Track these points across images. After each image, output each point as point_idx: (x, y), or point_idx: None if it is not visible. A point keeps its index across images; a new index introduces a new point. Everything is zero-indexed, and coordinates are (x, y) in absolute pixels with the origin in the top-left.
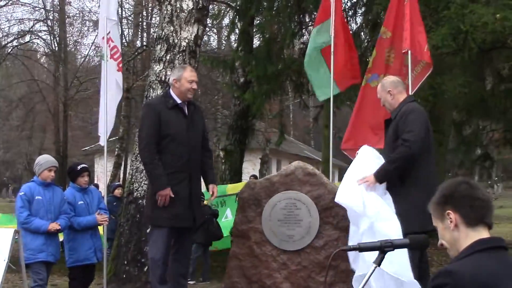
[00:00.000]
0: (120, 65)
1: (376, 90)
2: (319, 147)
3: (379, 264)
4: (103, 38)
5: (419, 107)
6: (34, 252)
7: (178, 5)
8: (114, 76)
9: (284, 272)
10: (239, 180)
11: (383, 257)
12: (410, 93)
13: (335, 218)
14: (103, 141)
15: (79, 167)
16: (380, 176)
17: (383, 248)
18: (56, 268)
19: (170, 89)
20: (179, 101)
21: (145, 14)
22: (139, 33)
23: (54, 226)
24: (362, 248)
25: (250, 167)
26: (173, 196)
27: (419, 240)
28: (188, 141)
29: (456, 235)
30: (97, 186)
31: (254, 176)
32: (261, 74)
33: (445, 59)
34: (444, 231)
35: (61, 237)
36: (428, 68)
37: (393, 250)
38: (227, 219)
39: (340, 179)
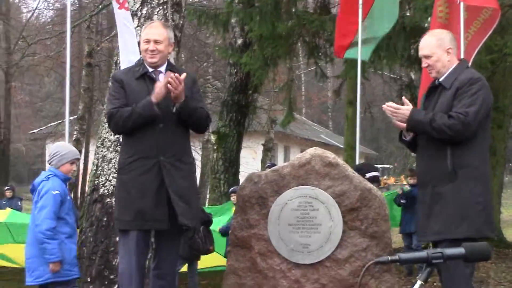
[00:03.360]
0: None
1: None
2: (339, 130)
3: (425, 281)
4: None
5: (483, 77)
6: (70, 266)
7: None
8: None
9: None
10: (236, 173)
11: (431, 272)
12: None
13: (363, 222)
14: None
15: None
16: (415, 120)
17: (431, 259)
18: None
19: None
20: (150, 69)
21: None
22: None
23: (55, 268)
24: (404, 260)
25: (250, 156)
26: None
27: (478, 250)
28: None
29: None
30: None
31: (272, 165)
32: (267, 33)
33: (508, 13)
34: None
35: None
36: (494, 19)
37: (443, 262)
38: None
39: None
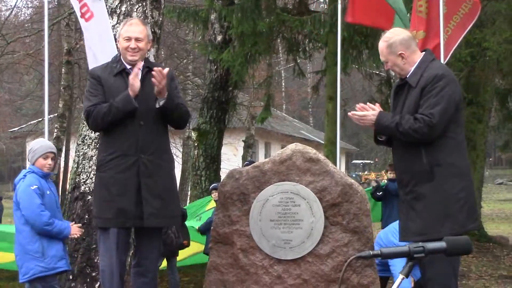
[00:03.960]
0: None
1: None
2: (319, 126)
3: (407, 275)
4: None
5: (449, 70)
6: (53, 260)
7: None
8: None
9: (279, 287)
10: (217, 169)
11: (413, 266)
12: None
13: (344, 218)
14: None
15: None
16: (382, 126)
17: (413, 254)
18: None
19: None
20: (128, 66)
21: None
22: None
23: (77, 230)
24: (385, 254)
25: (231, 152)
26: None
27: (460, 244)
28: (136, 115)
29: None
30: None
31: (251, 162)
32: (248, 30)
33: (487, 7)
34: None
35: None
36: (474, 13)
37: (425, 256)
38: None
39: (347, 166)
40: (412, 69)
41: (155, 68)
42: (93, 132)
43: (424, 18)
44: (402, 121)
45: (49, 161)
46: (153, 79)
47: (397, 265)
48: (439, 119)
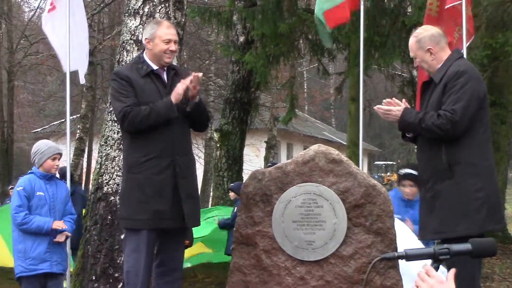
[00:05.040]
0: None
1: None
2: (341, 127)
3: None
4: None
5: (473, 67)
6: (35, 261)
7: None
8: None
9: None
10: (239, 170)
11: (438, 267)
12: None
13: (367, 219)
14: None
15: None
16: (405, 122)
17: (438, 255)
18: None
19: (144, 53)
20: (154, 67)
21: None
22: None
23: (58, 224)
24: (411, 255)
25: (253, 153)
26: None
27: (485, 246)
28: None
29: None
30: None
31: (273, 164)
32: (270, 31)
33: (509, 9)
34: None
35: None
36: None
37: (450, 258)
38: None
39: (370, 167)
40: (439, 66)
41: (193, 74)
42: (116, 132)
43: (433, 16)
44: (426, 117)
45: (57, 162)
46: (188, 83)
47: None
48: (461, 116)
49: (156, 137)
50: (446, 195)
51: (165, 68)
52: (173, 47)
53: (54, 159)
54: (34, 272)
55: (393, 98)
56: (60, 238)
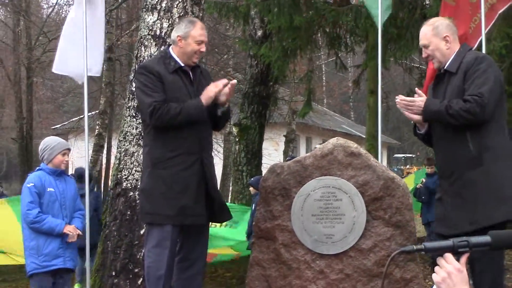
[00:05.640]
0: None
1: None
2: (360, 120)
3: None
4: None
5: (488, 56)
6: (48, 258)
7: None
8: None
9: (322, 282)
10: (258, 165)
11: (457, 260)
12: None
13: (386, 212)
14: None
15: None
16: (431, 111)
17: (457, 248)
18: None
19: (170, 48)
20: (182, 64)
21: None
22: None
23: (71, 229)
24: (429, 249)
25: (272, 147)
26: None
27: (504, 237)
28: None
29: None
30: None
31: (292, 158)
32: (285, 25)
33: None
34: None
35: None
36: (497, 9)
37: (469, 251)
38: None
39: (389, 160)
40: (451, 58)
41: (231, 82)
42: (135, 128)
43: (451, 4)
44: (452, 104)
45: (66, 158)
46: (222, 88)
47: None
48: (489, 98)
49: (187, 135)
50: (478, 183)
51: (190, 66)
52: (203, 48)
53: (64, 154)
54: (48, 268)
55: (416, 89)
56: (72, 238)
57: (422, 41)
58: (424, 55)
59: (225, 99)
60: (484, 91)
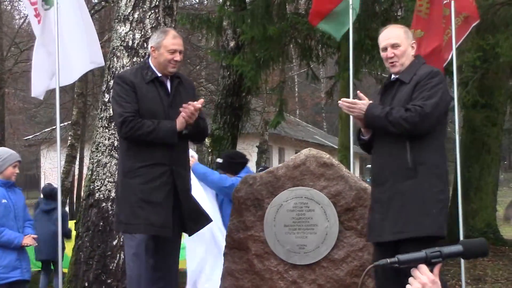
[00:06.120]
0: None
1: None
2: (333, 131)
3: None
4: None
5: (441, 72)
6: (6, 270)
7: None
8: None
9: None
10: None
11: (431, 271)
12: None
13: (359, 222)
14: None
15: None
16: (372, 115)
17: (430, 259)
18: None
19: (149, 58)
20: (159, 74)
21: None
22: None
23: (29, 241)
24: (402, 261)
25: None
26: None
27: (476, 246)
28: None
29: None
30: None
31: (265, 168)
32: (258, 36)
33: (499, 11)
34: None
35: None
36: (471, 22)
37: (442, 261)
38: None
39: (362, 171)
40: (404, 68)
41: (195, 105)
42: (107, 139)
43: (423, 18)
44: (393, 111)
45: (17, 170)
46: (185, 115)
47: None
48: (431, 111)
49: (156, 147)
50: (409, 194)
51: (169, 76)
52: (178, 57)
53: (14, 166)
54: (6, 280)
55: (358, 92)
56: (31, 241)
57: (394, 40)
58: (389, 54)
59: (189, 122)
60: (428, 104)
